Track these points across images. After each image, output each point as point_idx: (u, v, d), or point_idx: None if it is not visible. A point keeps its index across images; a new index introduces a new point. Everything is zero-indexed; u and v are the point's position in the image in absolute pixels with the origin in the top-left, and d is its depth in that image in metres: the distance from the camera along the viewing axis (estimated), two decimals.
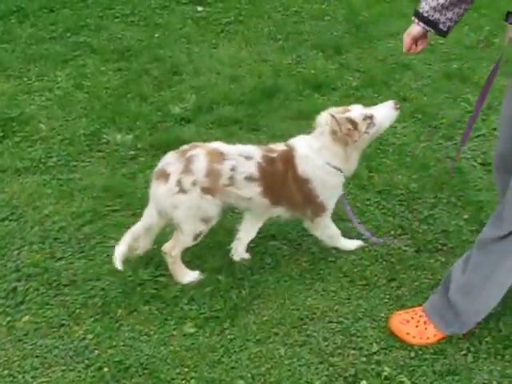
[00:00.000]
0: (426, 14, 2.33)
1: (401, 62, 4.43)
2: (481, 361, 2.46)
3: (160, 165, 2.70)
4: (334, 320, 2.63)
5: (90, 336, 2.57)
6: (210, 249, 2.93)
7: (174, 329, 2.60)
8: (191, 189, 2.59)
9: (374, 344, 2.54)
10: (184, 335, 2.57)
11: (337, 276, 2.82)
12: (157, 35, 4.81)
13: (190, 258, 2.86)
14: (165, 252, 2.76)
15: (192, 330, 2.59)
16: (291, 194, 2.72)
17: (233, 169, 2.63)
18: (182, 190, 2.59)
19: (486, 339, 2.54)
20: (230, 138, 3.60)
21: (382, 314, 2.64)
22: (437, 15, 2.31)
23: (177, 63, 4.37)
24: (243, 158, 2.66)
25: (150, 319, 2.63)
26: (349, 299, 2.72)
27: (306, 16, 4.98)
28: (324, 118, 2.76)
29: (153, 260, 2.86)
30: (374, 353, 2.50)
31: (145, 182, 3.29)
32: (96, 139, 3.70)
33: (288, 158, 2.70)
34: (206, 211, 2.65)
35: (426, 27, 2.36)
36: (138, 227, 2.75)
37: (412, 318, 2.59)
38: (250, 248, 2.92)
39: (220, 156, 2.63)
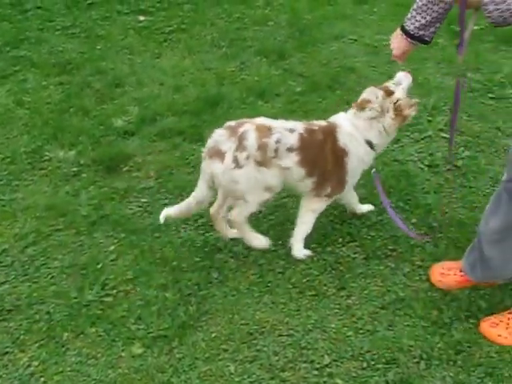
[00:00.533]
0: (412, 32, 2.67)
1: (345, 65, 4.41)
2: (433, 368, 2.44)
3: (211, 143, 2.81)
4: (284, 333, 2.58)
5: (36, 363, 2.49)
6: (156, 265, 2.86)
7: (122, 350, 2.53)
8: (246, 163, 2.71)
9: (326, 356, 2.50)
10: (132, 356, 2.50)
11: (285, 287, 2.77)
12: (98, 47, 4.71)
13: (137, 274, 2.80)
14: (231, 219, 2.87)
15: (140, 351, 2.52)
16: (325, 165, 2.82)
17: (278, 141, 2.74)
18: (239, 166, 2.71)
19: (438, 345, 2.52)
20: (173, 151, 3.55)
21: (333, 325, 2.60)
22: (421, 32, 2.65)
23: (119, 75, 4.27)
24: (287, 130, 2.78)
25: (96, 341, 2.56)
26: (298, 311, 2.67)
27: (248, 22, 4.93)
28: (371, 94, 2.94)
29: (98, 280, 2.78)
30: (326, 365, 2.46)
31: (88, 199, 3.22)
32: (38, 157, 3.60)
33: (330, 131, 2.85)
34: (265, 181, 2.78)
35: (413, 42, 2.72)
36: (190, 201, 2.87)
37: (501, 321, 2.59)
38: (195, 262, 2.87)
39: (268, 130, 2.74)
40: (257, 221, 3.08)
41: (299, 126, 2.82)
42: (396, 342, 2.53)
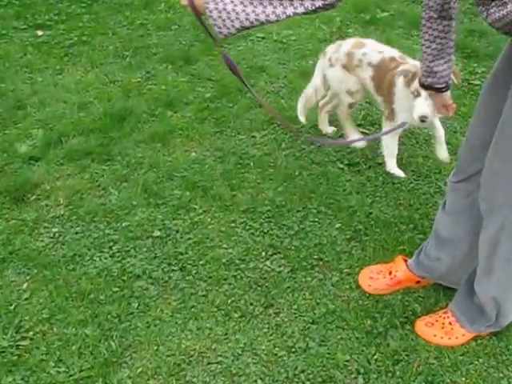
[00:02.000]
0: (425, 83, 2.53)
1: (254, 64, 4.28)
2: (372, 382, 2.34)
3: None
4: (213, 360, 2.43)
5: None
6: (72, 300, 2.66)
7: None
8: (335, 64, 3.39)
9: (259, 381, 2.36)
10: None
11: (210, 311, 2.61)
12: None
13: (53, 312, 2.59)
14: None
15: None
16: (386, 89, 3.26)
17: (363, 54, 3.32)
18: (331, 65, 3.42)
19: (375, 357, 2.42)
20: (82, 174, 3.35)
21: (263, 347, 2.47)
22: (429, 79, 2.48)
23: (20, 96, 4.00)
24: (376, 51, 3.33)
25: None
26: (226, 335, 2.52)
27: (152, 28, 4.72)
28: None
29: (12, 323, 2.57)
30: None
31: None
32: None
33: (398, 64, 3.22)
34: (347, 85, 3.40)
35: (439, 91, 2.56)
36: (308, 89, 3.58)
37: (436, 320, 2.52)
38: (113, 293, 2.69)
39: (361, 45, 3.38)
40: (173, 241, 2.93)
41: (389, 51, 3.34)
42: (331, 358, 2.42)
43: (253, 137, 3.61)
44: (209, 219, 3.06)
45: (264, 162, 3.40)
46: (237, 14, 1.93)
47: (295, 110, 3.79)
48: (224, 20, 1.95)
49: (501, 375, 2.39)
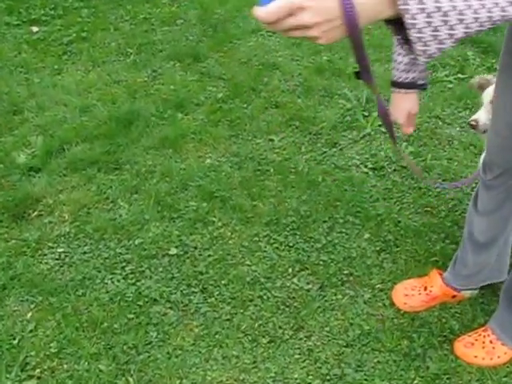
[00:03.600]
0: (398, 80, 2.12)
1: (266, 61, 4.09)
2: None
3: None
4: None
5: None
6: (83, 330, 2.49)
7: None
8: None
9: None
10: None
11: (236, 337, 2.46)
12: None
13: (62, 345, 2.42)
14: None
15: None
16: None
17: None
18: None
19: (415, 382, 2.28)
20: (88, 185, 3.17)
21: (296, 375, 2.32)
22: (409, 75, 2.11)
23: (16, 100, 3.80)
24: None
25: None
26: (254, 363, 2.37)
27: (156, 22, 4.52)
28: None
29: (16, 359, 2.39)
30: None
31: None
32: None
33: None
34: None
35: (408, 91, 2.14)
36: None
37: (476, 340, 2.39)
38: (129, 321, 2.52)
39: None
40: (191, 259, 2.76)
41: None
42: None
43: (270, 140, 3.43)
44: (229, 233, 2.89)
45: (284, 168, 3.23)
46: (460, 13, 1.11)
47: (312, 109, 3.64)
48: (436, 28, 1.11)
49: None
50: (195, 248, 2.82)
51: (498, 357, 2.35)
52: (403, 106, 2.18)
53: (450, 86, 3.88)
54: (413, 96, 2.17)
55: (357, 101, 3.70)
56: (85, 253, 2.81)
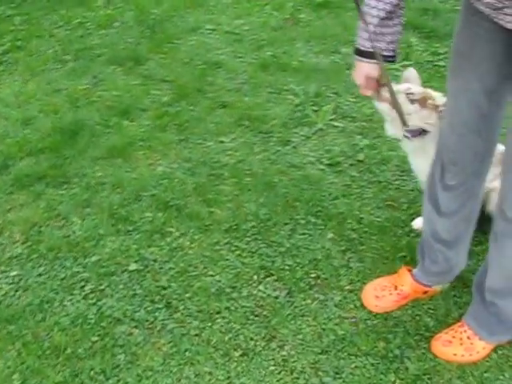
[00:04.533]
0: (361, 48, 2.01)
1: (209, 60, 3.91)
2: None
3: None
4: None
5: None
6: (46, 358, 2.27)
7: None
8: None
9: None
10: None
11: (207, 353, 2.29)
12: None
13: (25, 376, 2.20)
14: None
15: None
16: None
17: None
18: None
19: None
20: (37, 202, 2.94)
21: None
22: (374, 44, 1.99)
23: None
24: None
25: None
26: (228, 379, 2.21)
27: (92, 26, 4.26)
28: None
29: None
30: None
31: None
32: None
33: None
34: None
35: (370, 61, 2.02)
36: None
37: (453, 337, 2.27)
38: (93, 344, 2.32)
39: None
40: (152, 273, 2.58)
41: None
42: None
43: (221, 142, 3.27)
44: (188, 243, 2.72)
45: (239, 171, 3.07)
46: None
47: (261, 107, 3.49)
48: None
49: None
50: (155, 261, 2.64)
51: (477, 352, 2.25)
52: (363, 70, 2.09)
53: (397, 74, 3.76)
54: (375, 65, 2.06)
55: (305, 95, 3.56)
56: (40, 274, 2.59)
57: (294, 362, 2.26)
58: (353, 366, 2.24)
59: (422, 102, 2.33)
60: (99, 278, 2.57)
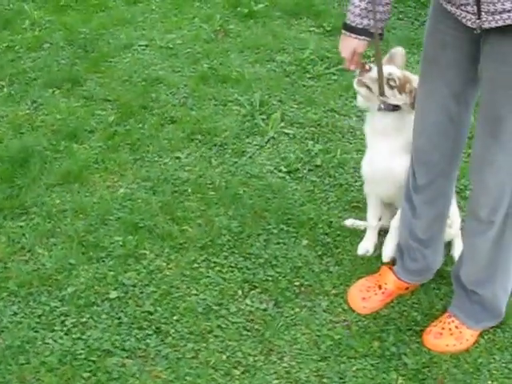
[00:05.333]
0: (352, 24, 2.05)
1: (148, 76, 3.75)
2: None
3: None
4: None
5: None
6: None
7: None
8: None
9: None
10: None
11: (207, 374, 2.17)
12: None
13: None
14: None
15: None
16: None
17: None
18: None
19: (399, 381, 2.16)
20: None
21: None
22: (365, 21, 2.04)
23: None
24: None
25: None
26: None
27: (21, 50, 3.95)
28: None
29: None
30: None
31: None
32: None
33: None
34: None
35: (359, 37, 2.07)
36: None
37: (443, 328, 2.29)
38: (86, 380, 2.16)
39: None
40: (134, 299, 2.43)
41: None
42: None
43: (177, 158, 3.14)
44: (165, 264, 2.59)
45: (202, 186, 2.96)
46: None
47: (209, 120, 3.39)
48: None
49: None
50: (134, 286, 2.49)
51: (467, 340, 2.28)
52: (350, 45, 2.11)
53: (335, 77, 3.78)
54: (363, 41, 2.09)
55: (250, 105, 3.49)
56: (15, 314, 2.38)
57: (296, 372, 2.19)
58: (354, 368, 2.21)
59: (401, 87, 2.32)
60: (79, 310, 2.39)
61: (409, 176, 2.31)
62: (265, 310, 2.40)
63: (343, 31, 2.10)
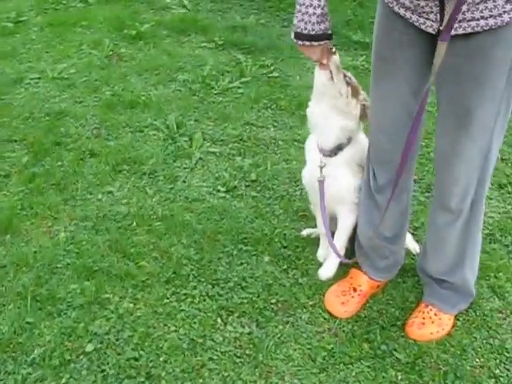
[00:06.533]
0: (314, 33, 2.05)
1: (50, 110, 3.53)
2: None
3: None
4: None
5: None
6: None
7: None
8: None
9: None
10: None
11: None
12: None
13: None
14: None
15: None
16: None
17: None
18: None
19: (400, 377, 2.19)
20: None
21: None
22: (323, 25, 2.05)
23: None
24: None
25: None
26: None
27: None
28: None
29: None
30: None
31: None
32: None
33: None
34: None
35: (321, 42, 2.09)
36: None
37: (423, 318, 2.37)
38: None
39: None
40: (113, 348, 2.28)
41: None
42: None
43: (109, 192, 2.98)
44: (132, 305, 2.44)
45: (145, 217, 2.83)
46: None
47: (131, 148, 3.26)
48: None
49: (504, 337, 2.37)
50: (108, 334, 2.32)
51: (446, 325, 2.38)
52: (316, 49, 2.14)
53: (241, 91, 3.78)
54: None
55: (167, 128, 3.40)
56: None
57: None
58: (353, 373, 2.22)
59: (355, 90, 2.35)
60: (56, 372, 2.19)
61: (368, 178, 2.37)
62: (249, 333, 2.35)
63: (304, 42, 2.08)
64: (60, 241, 2.71)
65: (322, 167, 2.38)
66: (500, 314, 2.45)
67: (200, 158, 3.23)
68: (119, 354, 2.26)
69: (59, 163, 3.14)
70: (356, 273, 2.53)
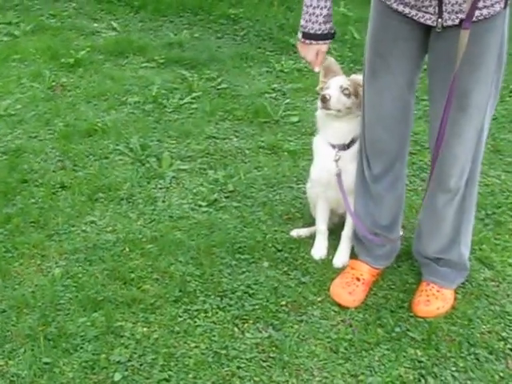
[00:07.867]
0: (321, 32, 2.26)
1: (6, 149, 3.46)
2: (441, 376, 2.28)
3: None
4: None
5: None
6: None
7: None
8: None
9: None
10: None
11: None
12: None
13: None
14: None
15: None
16: None
17: None
18: None
19: (422, 359, 2.34)
20: None
21: None
22: (328, 25, 2.26)
23: None
24: None
25: None
26: None
27: None
28: None
29: None
30: None
31: None
32: None
33: None
34: None
35: (326, 41, 2.31)
36: None
37: (427, 295, 2.52)
38: None
39: None
40: (139, 375, 2.31)
41: None
42: (394, 378, 2.27)
43: (92, 222, 2.98)
44: (147, 328, 2.46)
45: (136, 242, 2.86)
46: None
47: (102, 176, 3.27)
48: None
49: (502, 303, 2.58)
50: (130, 360, 2.35)
51: (450, 299, 2.57)
52: (314, 49, 2.31)
53: (194, 106, 3.86)
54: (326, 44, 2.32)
55: (132, 152, 3.44)
56: None
57: (332, 381, 2.28)
58: (376, 358, 2.36)
59: (355, 92, 2.51)
60: None
61: (362, 170, 2.51)
62: (269, 337, 2.44)
63: (305, 40, 2.28)
64: (56, 277, 2.69)
65: (337, 160, 2.52)
66: (493, 283, 2.67)
67: (173, 177, 3.29)
68: (148, 379, 2.29)
69: (32, 200, 3.11)
70: (356, 263, 2.67)
